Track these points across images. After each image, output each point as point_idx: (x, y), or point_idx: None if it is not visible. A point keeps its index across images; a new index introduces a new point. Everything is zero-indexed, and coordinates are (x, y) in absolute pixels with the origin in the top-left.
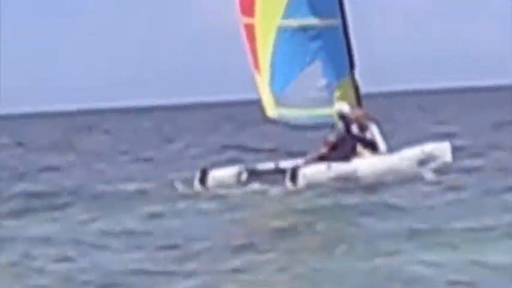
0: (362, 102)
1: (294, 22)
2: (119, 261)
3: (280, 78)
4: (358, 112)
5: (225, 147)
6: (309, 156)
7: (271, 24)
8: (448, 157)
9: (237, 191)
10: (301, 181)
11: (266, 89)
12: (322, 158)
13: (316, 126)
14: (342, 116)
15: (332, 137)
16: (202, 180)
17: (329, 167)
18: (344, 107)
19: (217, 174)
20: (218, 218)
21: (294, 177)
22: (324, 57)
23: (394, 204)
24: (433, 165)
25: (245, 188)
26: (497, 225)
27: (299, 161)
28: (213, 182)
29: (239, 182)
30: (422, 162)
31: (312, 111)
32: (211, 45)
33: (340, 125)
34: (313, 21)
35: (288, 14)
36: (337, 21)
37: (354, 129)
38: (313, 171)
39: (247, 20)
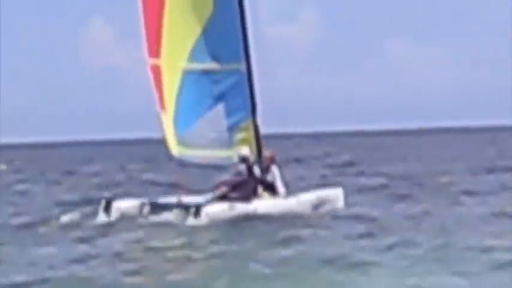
0: (262, 145)
1: (198, 66)
2: None
3: (183, 119)
4: (267, 154)
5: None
6: (211, 194)
7: (176, 66)
8: (340, 202)
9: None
10: (204, 217)
11: (171, 128)
12: (223, 197)
13: (215, 167)
14: (243, 159)
15: (230, 177)
16: (107, 210)
17: (231, 207)
18: (245, 151)
19: (121, 205)
20: None
21: (197, 213)
22: (227, 100)
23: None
24: (326, 208)
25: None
26: None
27: (199, 197)
28: (116, 213)
29: (142, 214)
30: (317, 206)
31: (213, 152)
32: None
33: (242, 167)
34: (216, 65)
35: (192, 57)
36: (241, 66)
37: (256, 171)
38: (216, 210)
39: (153, 60)
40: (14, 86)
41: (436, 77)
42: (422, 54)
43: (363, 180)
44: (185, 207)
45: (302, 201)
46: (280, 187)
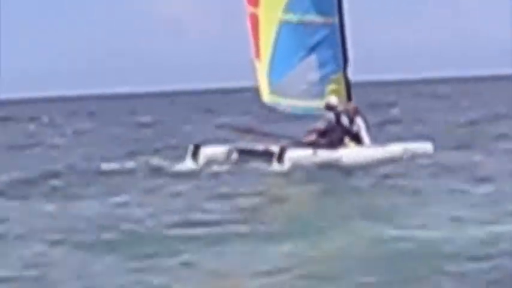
0: (352, 97)
1: (294, 17)
2: None
3: (278, 69)
4: (350, 106)
5: (219, 127)
6: (298, 140)
7: (273, 17)
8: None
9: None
10: (287, 162)
11: (264, 76)
12: (310, 144)
13: (305, 116)
14: (331, 108)
15: (320, 125)
16: (195, 156)
17: (315, 153)
18: (332, 100)
19: (208, 152)
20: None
21: (280, 158)
22: (320, 52)
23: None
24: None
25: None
26: None
27: (287, 143)
28: (204, 159)
29: (229, 160)
30: (403, 158)
31: (304, 102)
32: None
33: (330, 115)
34: (312, 17)
35: (288, 8)
36: (335, 19)
37: (344, 120)
38: (299, 155)
39: (252, 9)
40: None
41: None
42: None
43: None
44: (271, 153)
45: (388, 151)
46: (366, 137)
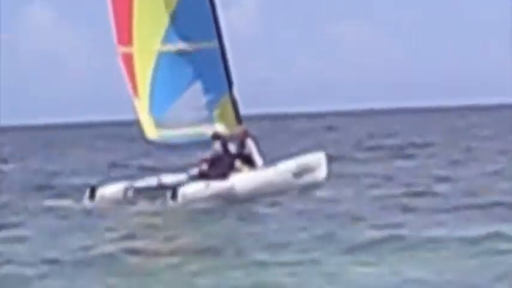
0: (241, 118)
1: (172, 47)
2: None
3: (160, 102)
4: (239, 129)
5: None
6: (189, 173)
7: (150, 50)
8: (322, 170)
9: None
10: (180, 199)
11: (145, 113)
12: (202, 175)
13: (195, 144)
14: (217, 137)
15: (208, 155)
16: (92, 196)
17: (207, 185)
18: (219, 128)
19: (105, 191)
20: None
21: (174, 195)
22: (203, 78)
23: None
24: (308, 178)
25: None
26: None
27: (181, 177)
28: (101, 199)
29: (126, 198)
30: (297, 174)
31: (192, 129)
32: None
33: (217, 145)
34: (190, 44)
35: (166, 39)
36: (214, 44)
37: (231, 147)
38: (192, 190)
39: (124, 49)
40: None
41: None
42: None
43: None
44: (165, 188)
45: (281, 170)
46: (258, 159)
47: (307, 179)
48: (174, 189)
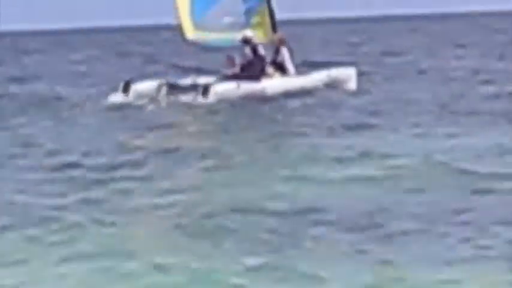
0: (276, 27)
1: None
2: None
3: (200, 6)
4: (275, 36)
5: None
6: (222, 74)
7: None
8: (352, 83)
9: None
10: (212, 97)
11: (186, 15)
12: (234, 77)
13: (231, 48)
14: (247, 41)
15: (236, 56)
16: (126, 91)
17: (238, 86)
18: (248, 33)
19: (139, 87)
20: None
21: (206, 92)
22: None
23: None
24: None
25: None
26: None
27: (214, 78)
28: (135, 94)
29: (159, 95)
30: (328, 85)
31: (231, 34)
32: None
33: (247, 49)
34: None
35: None
36: None
37: (261, 51)
38: (224, 89)
39: None
40: None
41: None
42: None
43: None
44: (198, 87)
45: (312, 79)
46: (290, 67)
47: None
48: (205, 86)
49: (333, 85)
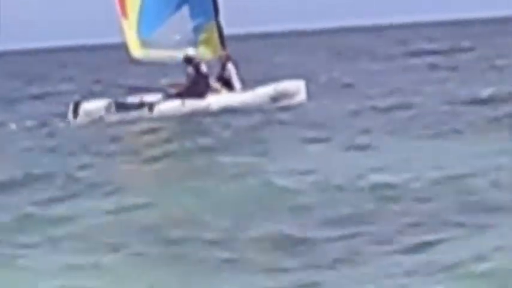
0: (225, 44)
1: None
2: None
3: (148, 23)
4: (222, 53)
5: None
6: (168, 93)
7: None
8: (301, 95)
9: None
10: (156, 113)
11: (133, 33)
12: (179, 95)
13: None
14: (189, 61)
15: (182, 80)
16: (75, 111)
17: (183, 103)
18: (190, 51)
19: (88, 107)
20: None
21: (151, 109)
22: (191, 3)
23: None
24: (286, 102)
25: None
26: None
27: (160, 96)
28: (84, 114)
29: (108, 113)
30: (275, 99)
31: (177, 52)
32: None
33: (189, 69)
34: None
35: None
36: None
37: (203, 68)
38: (169, 107)
39: None
40: None
41: None
42: None
43: None
44: (146, 105)
45: (258, 94)
46: (236, 82)
47: (284, 103)
48: (150, 104)
49: (281, 98)
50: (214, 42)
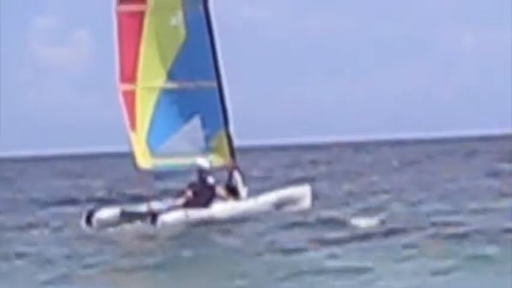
0: (234, 153)
1: (174, 85)
2: None
3: (158, 135)
4: (229, 162)
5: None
6: (175, 202)
7: (153, 87)
8: (307, 201)
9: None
10: (159, 225)
11: (142, 145)
12: (186, 204)
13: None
14: (200, 170)
15: (187, 189)
16: (89, 220)
17: (187, 214)
18: (203, 163)
19: (100, 215)
20: None
21: (154, 221)
22: (202, 113)
23: None
24: (289, 209)
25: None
26: None
27: (168, 204)
28: (97, 222)
29: (120, 221)
30: (279, 205)
31: (188, 160)
32: None
33: (194, 177)
34: (191, 83)
35: (170, 77)
36: (213, 83)
37: (210, 180)
38: (172, 217)
39: (126, 86)
40: None
41: None
42: None
43: None
44: (154, 214)
45: (261, 202)
46: (242, 190)
47: (288, 209)
48: (154, 215)
49: (285, 205)
50: (225, 150)
